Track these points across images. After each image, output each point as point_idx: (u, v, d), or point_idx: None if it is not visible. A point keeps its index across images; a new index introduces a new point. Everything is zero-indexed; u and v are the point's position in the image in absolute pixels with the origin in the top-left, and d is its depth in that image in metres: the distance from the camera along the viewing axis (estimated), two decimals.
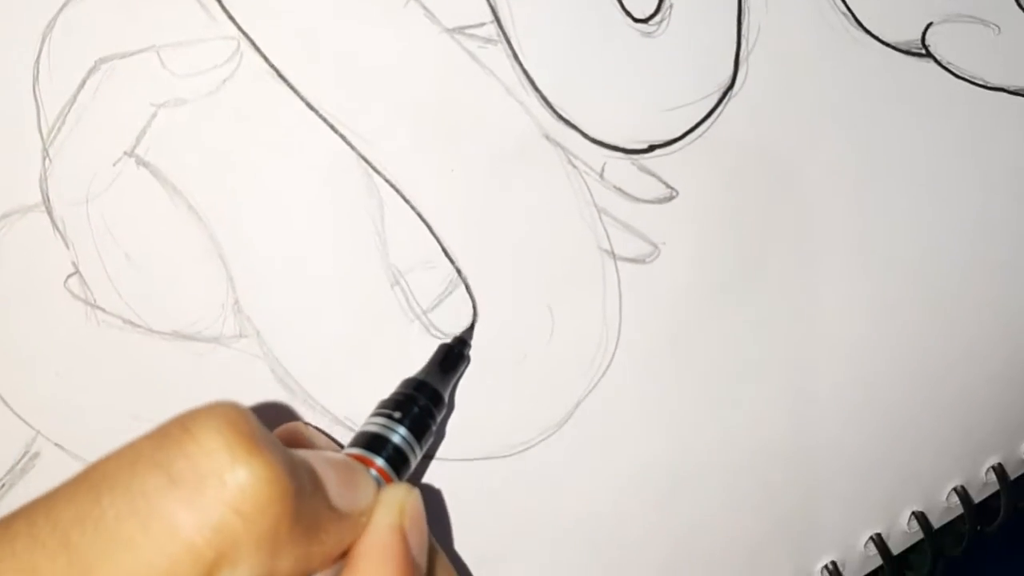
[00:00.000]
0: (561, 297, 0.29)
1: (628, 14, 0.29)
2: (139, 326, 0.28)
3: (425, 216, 0.29)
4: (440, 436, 0.29)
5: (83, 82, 0.28)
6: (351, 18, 0.28)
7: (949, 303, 0.32)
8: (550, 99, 0.29)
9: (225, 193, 0.28)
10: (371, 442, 0.25)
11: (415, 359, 0.29)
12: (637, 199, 0.30)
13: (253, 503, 0.19)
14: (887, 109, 0.31)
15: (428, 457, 0.29)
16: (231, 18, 0.28)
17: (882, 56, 0.31)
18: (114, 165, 0.28)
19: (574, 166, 0.29)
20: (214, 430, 0.19)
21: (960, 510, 0.32)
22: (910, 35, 0.31)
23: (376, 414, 0.26)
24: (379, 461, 0.24)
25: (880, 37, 0.31)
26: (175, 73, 0.28)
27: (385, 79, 0.28)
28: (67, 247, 0.28)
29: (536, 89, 0.29)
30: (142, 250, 0.28)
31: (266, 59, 0.28)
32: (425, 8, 0.28)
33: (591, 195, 0.29)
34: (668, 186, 0.30)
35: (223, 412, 0.19)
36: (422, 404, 0.26)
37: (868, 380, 0.31)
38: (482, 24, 0.29)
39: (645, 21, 0.29)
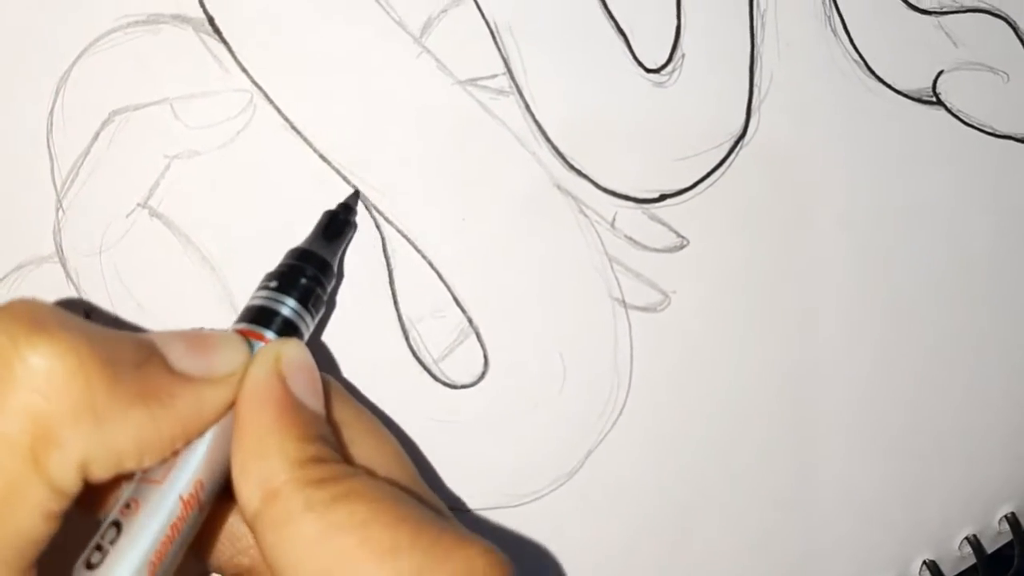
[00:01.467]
0: (572, 346, 0.29)
1: (640, 64, 0.29)
2: None
3: (436, 265, 0.29)
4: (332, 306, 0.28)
5: (97, 134, 0.28)
6: (364, 69, 0.28)
7: (958, 348, 0.32)
8: (561, 149, 0.29)
9: (238, 244, 0.28)
10: (257, 315, 0.24)
11: (426, 408, 0.29)
12: (648, 248, 0.30)
13: (50, 380, 0.19)
14: (898, 157, 0.31)
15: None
16: (244, 71, 0.28)
17: (894, 104, 0.31)
18: (127, 216, 0.28)
19: (585, 215, 0.29)
20: (2, 326, 0.19)
21: (973, 560, 0.32)
22: (921, 83, 0.31)
23: (261, 287, 0.25)
24: (268, 334, 0.24)
25: (892, 85, 0.31)
26: (188, 125, 0.28)
27: (397, 130, 0.28)
28: (81, 297, 0.28)
29: (547, 139, 0.29)
30: (155, 301, 0.28)
31: (279, 111, 0.28)
32: (437, 60, 0.28)
33: (602, 244, 0.29)
34: (679, 235, 0.30)
35: (10, 307, 0.20)
36: (310, 274, 0.25)
37: (875, 426, 0.31)
38: (494, 76, 0.29)
39: (657, 71, 0.29)
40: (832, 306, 0.31)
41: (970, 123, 0.31)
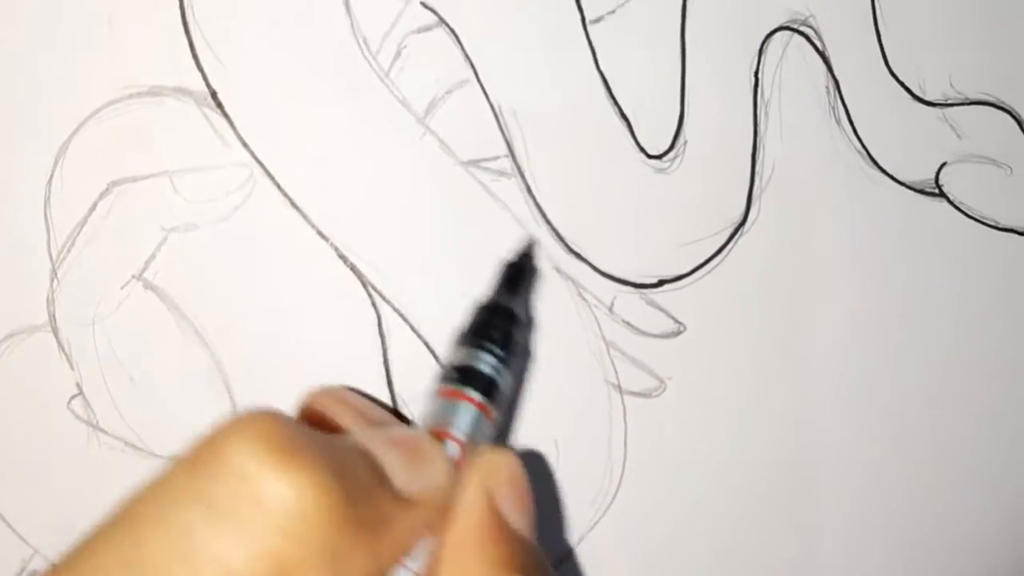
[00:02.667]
0: (567, 430, 0.29)
1: (642, 150, 0.29)
2: (141, 450, 0.28)
3: (432, 346, 0.29)
4: (527, 355, 0.28)
5: (95, 204, 0.28)
6: (366, 148, 0.28)
7: (959, 444, 0.31)
8: (561, 232, 0.29)
9: (231, 319, 0.28)
10: (459, 375, 0.24)
11: None
12: (645, 333, 0.30)
13: (300, 521, 0.17)
14: (899, 248, 0.31)
15: None
16: (245, 145, 0.28)
17: (896, 195, 0.31)
18: (122, 288, 0.28)
19: (584, 299, 0.29)
20: (245, 448, 0.18)
21: None
22: (924, 174, 0.31)
23: (457, 345, 0.25)
24: (472, 393, 0.24)
25: (894, 176, 0.31)
26: (187, 198, 0.28)
27: (398, 209, 0.28)
28: (72, 368, 0.28)
29: (548, 222, 0.29)
30: (147, 374, 0.28)
31: (279, 187, 0.28)
32: (441, 140, 0.28)
33: (600, 328, 0.29)
34: (676, 321, 0.30)
35: (251, 424, 0.18)
36: (501, 326, 0.25)
37: (876, 514, 0.31)
38: (496, 158, 0.29)
39: (659, 157, 0.29)
40: (830, 397, 0.30)
41: (972, 215, 0.31)
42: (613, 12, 0.29)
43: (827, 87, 0.30)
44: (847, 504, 0.31)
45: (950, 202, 0.31)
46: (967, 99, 0.31)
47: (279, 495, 0.17)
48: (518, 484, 0.22)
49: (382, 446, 0.20)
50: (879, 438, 0.31)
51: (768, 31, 0.30)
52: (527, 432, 0.29)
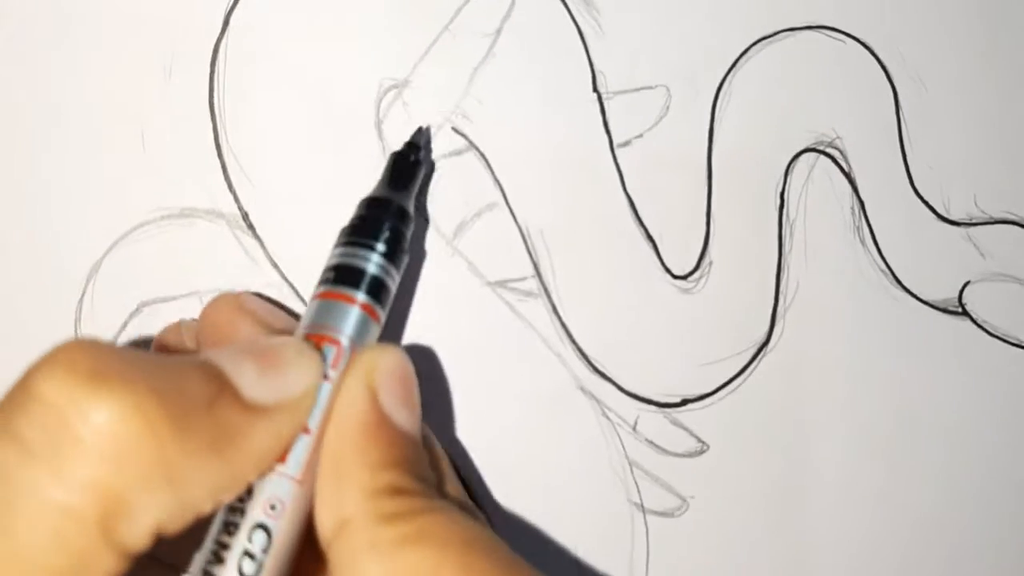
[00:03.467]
0: (589, 549, 0.29)
1: (667, 271, 0.29)
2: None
3: (458, 462, 0.29)
4: (418, 254, 0.27)
5: (125, 324, 0.28)
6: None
7: (976, 562, 0.31)
8: (586, 352, 0.29)
9: None
10: (342, 275, 0.23)
11: None
12: (668, 452, 0.30)
13: (119, 444, 0.17)
14: (922, 367, 0.31)
15: None
16: (275, 265, 0.28)
17: (919, 313, 0.31)
18: None
19: (608, 418, 0.29)
20: (53, 380, 0.17)
21: None
22: (947, 293, 0.31)
23: (340, 244, 0.24)
24: (357, 295, 0.22)
25: (918, 295, 0.31)
26: None
27: (424, 328, 0.29)
28: None
29: (573, 342, 0.29)
30: None
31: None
32: (469, 261, 0.29)
33: (623, 448, 0.29)
34: (699, 440, 0.30)
35: (59, 355, 0.18)
36: (388, 223, 0.24)
37: None
38: (523, 279, 0.29)
39: (684, 278, 0.30)
40: (852, 515, 0.30)
41: (996, 334, 0.31)
42: (640, 136, 0.29)
43: (852, 208, 0.30)
44: None
45: (973, 320, 0.31)
46: (991, 218, 0.31)
47: (91, 422, 0.17)
48: (403, 379, 0.21)
49: (232, 357, 0.20)
50: (906, 557, 0.31)
51: (795, 153, 0.30)
52: (547, 550, 0.29)
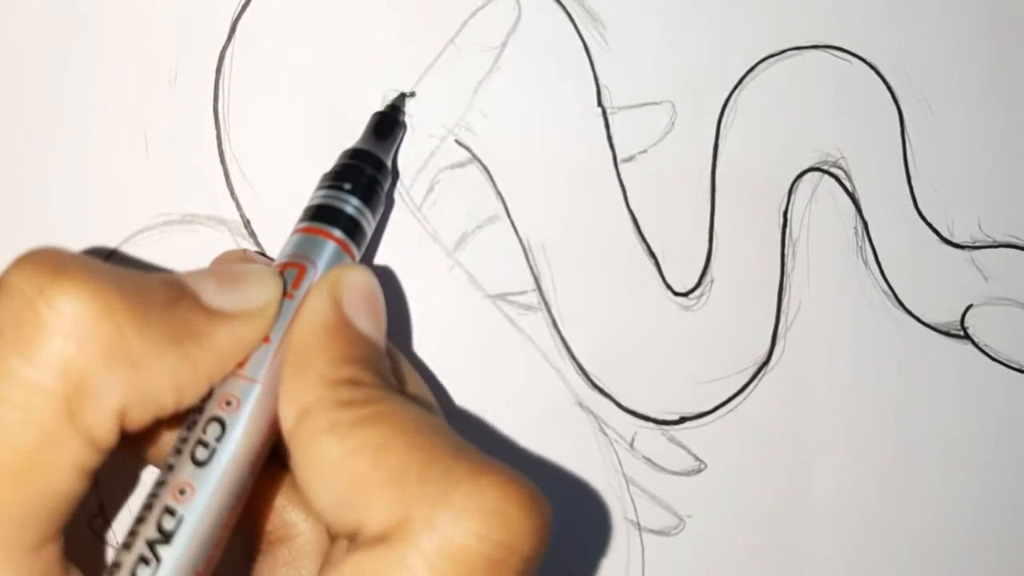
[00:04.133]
0: (584, 567, 0.29)
1: (669, 287, 0.29)
2: None
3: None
4: (389, 205, 0.28)
5: None
6: (396, 280, 0.28)
7: None
8: (585, 367, 0.29)
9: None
10: (322, 214, 0.24)
11: None
12: (665, 470, 0.29)
13: (79, 325, 0.18)
14: (923, 390, 0.31)
15: None
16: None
17: (921, 336, 0.31)
18: None
19: (605, 434, 0.29)
20: (22, 275, 0.19)
21: None
22: (950, 316, 0.31)
23: (322, 186, 0.25)
24: (336, 232, 0.24)
25: (920, 317, 0.31)
26: None
27: (423, 340, 0.28)
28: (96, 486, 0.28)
29: (572, 357, 0.29)
30: None
31: None
32: (469, 274, 0.29)
33: (620, 464, 0.29)
34: (697, 458, 0.30)
35: (31, 255, 0.19)
36: (368, 172, 0.25)
37: None
38: (524, 292, 0.29)
39: (685, 295, 0.29)
40: (851, 538, 0.30)
41: (998, 359, 0.31)
42: (644, 152, 0.29)
43: (855, 228, 0.30)
44: None
45: (975, 344, 0.31)
46: (995, 242, 0.31)
47: (55, 307, 0.18)
48: (370, 295, 0.22)
49: (193, 274, 0.21)
50: (907, 572, 0.31)
51: (798, 172, 0.30)
52: (541, 568, 0.29)
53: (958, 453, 0.31)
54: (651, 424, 0.29)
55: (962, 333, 0.31)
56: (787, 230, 0.30)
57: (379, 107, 0.28)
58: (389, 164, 0.27)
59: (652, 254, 0.29)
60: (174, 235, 0.28)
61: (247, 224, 0.28)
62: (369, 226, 0.25)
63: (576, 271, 0.29)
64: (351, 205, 0.24)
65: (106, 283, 0.19)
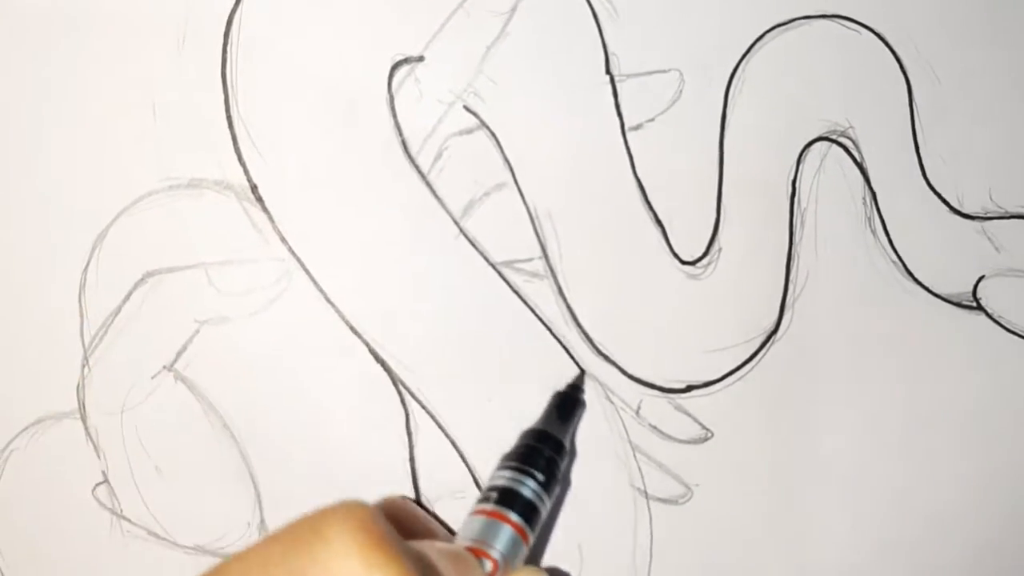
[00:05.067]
0: (591, 535, 0.29)
1: (676, 256, 0.29)
2: (164, 539, 0.28)
3: (459, 445, 0.28)
4: (566, 484, 0.29)
5: (129, 294, 0.28)
6: (402, 246, 0.28)
7: (990, 558, 0.31)
8: (591, 335, 0.29)
9: (260, 413, 0.28)
10: (503, 497, 0.25)
11: None
12: (672, 438, 0.29)
13: None
14: (934, 361, 0.30)
15: None
16: (284, 240, 0.28)
17: (931, 307, 0.30)
18: (152, 378, 0.28)
19: (611, 402, 0.29)
20: (345, 532, 0.18)
21: None
22: (961, 287, 0.31)
23: (503, 467, 0.26)
24: (514, 517, 0.25)
25: (931, 288, 0.30)
26: (221, 291, 0.28)
27: (430, 307, 0.28)
28: (98, 456, 0.28)
29: (578, 324, 0.29)
30: (173, 464, 0.28)
31: (315, 282, 0.28)
32: (476, 241, 0.28)
33: (626, 432, 0.29)
34: (704, 427, 0.29)
35: (353, 512, 0.19)
36: (547, 455, 0.26)
37: None
38: (530, 259, 0.29)
39: (692, 263, 0.29)
40: (860, 508, 0.30)
41: (1011, 329, 0.31)
42: (652, 120, 0.29)
43: (864, 198, 0.30)
44: None
45: (988, 315, 0.31)
46: (1007, 212, 0.31)
47: None
48: None
49: (440, 557, 0.21)
50: (913, 550, 0.30)
51: (807, 141, 0.30)
52: (550, 536, 0.29)
53: (970, 424, 0.30)
54: (657, 392, 0.29)
55: (974, 304, 0.31)
56: (795, 199, 0.30)
57: (386, 73, 0.28)
58: (568, 445, 0.28)
59: (659, 222, 0.29)
60: (180, 199, 0.28)
61: (254, 189, 0.28)
62: (545, 508, 0.26)
63: (583, 239, 0.29)
64: (529, 488, 0.25)
65: (414, 572, 0.19)
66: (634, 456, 0.29)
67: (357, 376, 0.28)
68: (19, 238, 0.27)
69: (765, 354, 0.30)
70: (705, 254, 0.29)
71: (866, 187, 0.30)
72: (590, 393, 0.29)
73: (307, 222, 0.28)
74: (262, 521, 0.28)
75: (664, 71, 0.29)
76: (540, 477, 0.26)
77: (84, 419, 0.28)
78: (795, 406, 0.30)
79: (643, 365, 0.29)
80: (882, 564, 0.30)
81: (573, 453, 0.29)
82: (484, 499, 0.25)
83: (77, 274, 0.28)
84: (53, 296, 0.28)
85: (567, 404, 0.28)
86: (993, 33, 0.31)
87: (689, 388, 0.29)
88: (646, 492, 0.29)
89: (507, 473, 0.26)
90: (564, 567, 0.29)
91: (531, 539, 0.25)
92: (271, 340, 0.28)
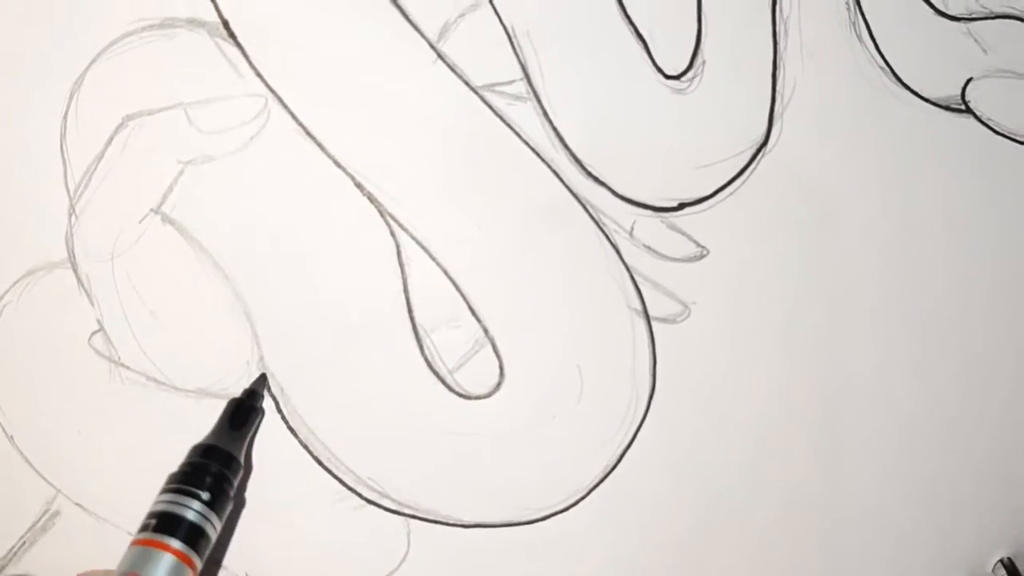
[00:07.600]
0: (591, 357, 0.29)
1: (659, 71, 0.29)
2: (163, 384, 0.28)
3: (452, 274, 0.28)
4: (240, 502, 0.27)
5: (111, 139, 0.27)
6: (378, 75, 0.28)
7: (986, 363, 0.31)
8: (580, 157, 0.29)
9: (250, 250, 0.28)
10: (162, 523, 0.24)
11: (439, 419, 0.28)
12: (667, 257, 0.29)
13: None
14: (925, 165, 0.30)
15: (443, 523, 0.28)
16: (259, 75, 0.28)
17: (921, 111, 0.30)
18: (140, 222, 0.28)
19: (603, 224, 0.29)
20: None
21: None
22: (950, 91, 0.30)
23: (165, 490, 0.25)
24: (175, 544, 0.23)
25: (919, 92, 0.30)
26: (202, 130, 0.28)
27: (412, 135, 0.28)
28: (92, 304, 0.28)
29: (566, 146, 0.29)
30: (167, 307, 0.28)
31: (294, 116, 0.28)
32: (454, 65, 0.28)
33: (620, 253, 0.29)
34: (698, 244, 0.29)
35: None
36: (215, 471, 0.25)
37: (902, 440, 0.30)
38: (511, 81, 0.28)
39: (677, 78, 0.29)
40: (859, 318, 0.30)
41: (1000, 131, 0.30)
42: None
43: (847, 2, 0.30)
44: (880, 427, 0.30)
45: (977, 118, 0.30)
46: (992, 12, 0.30)
47: None
48: None
49: None
50: (906, 358, 0.30)
51: None
52: (547, 359, 0.29)
53: (962, 226, 0.30)
54: (649, 212, 0.29)
55: (963, 107, 0.30)
56: (777, 6, 0.29)
57: None
58: (241, 457, 0.26)
59: (640, 36, 0.29)
60: (154, 40, 0.27)
61: (226, 24, 0.27)
62: (215, 530, 0.25)
63: (563, 57, 0.29)
64: (193, 511, 0.24)
65: None
66: (630, 277, 0.29)
67: (345, 210, 0.28)
68: None
69: (756, 167, 0.29)
70: (689, 67, 0.29)
71: None
72: (581, 216, 0.29)
73: (281, 56, 0.28)
74: (261, 359, 0.28)
75: None
76: (205, 496, 0.24)
77: (75, 268, 0.28)
78: (789, 217, 0.30)
79: (634, 185, 0.29)
80: (881, 365, 0.30)
81: (248, 467, 0.27)
82: (143, 527, 0.24)
83: (57, 121, 0.27)
84: (34, 145, 0.27)
85: (240, 412, 0.27)
86: None
87: (681, 206, 0.29)
88: (644, 312, 0.29)
89: (168, 496, 0.24)
90: (563, 392, 0.29)
91: (199, 564, 0.24)
92: (256, 177, 0.28)
